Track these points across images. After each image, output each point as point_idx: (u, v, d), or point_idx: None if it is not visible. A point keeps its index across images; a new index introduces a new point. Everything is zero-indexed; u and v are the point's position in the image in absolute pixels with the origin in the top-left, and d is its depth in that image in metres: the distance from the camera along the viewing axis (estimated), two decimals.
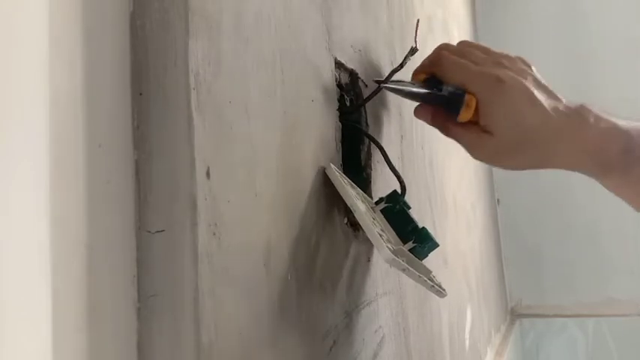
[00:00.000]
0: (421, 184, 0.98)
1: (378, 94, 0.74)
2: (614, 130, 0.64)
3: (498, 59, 0.67)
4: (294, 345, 0.47)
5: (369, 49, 0.75)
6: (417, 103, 0.71)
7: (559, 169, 0.66)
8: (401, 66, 0.72)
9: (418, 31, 0.76)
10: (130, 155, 0.38)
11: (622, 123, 0.65)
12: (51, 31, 0.34)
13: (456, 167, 1.43)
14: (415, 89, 0.68)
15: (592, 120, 0.63)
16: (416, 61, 0.75)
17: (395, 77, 0.70)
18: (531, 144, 0.63)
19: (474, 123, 0.65)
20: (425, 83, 0.68)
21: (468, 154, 0.68)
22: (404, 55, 0.75)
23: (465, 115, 0.64)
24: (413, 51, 0.74)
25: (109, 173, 0.36)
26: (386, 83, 0.67)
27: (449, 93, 0.66)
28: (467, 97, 0.64)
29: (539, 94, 0.63)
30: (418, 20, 0.75)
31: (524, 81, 0.64)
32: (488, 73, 0.64)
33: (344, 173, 0.61)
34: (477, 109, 0.64)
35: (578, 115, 0.64)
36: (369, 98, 0.69)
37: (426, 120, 0.70)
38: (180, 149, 0.37)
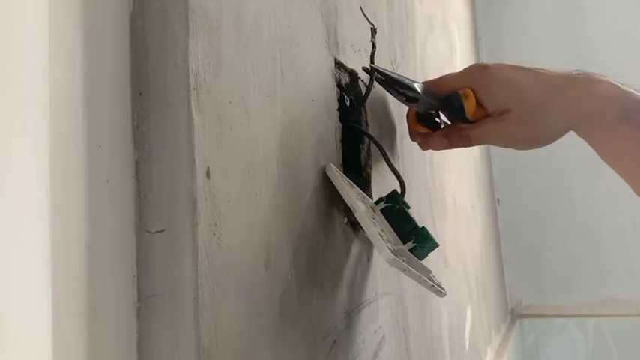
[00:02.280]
0: (421, 184, 0.98)
1: (378, 94, 0.74)
2: (610, 96, 0.64)
3: (464, 69, 0.71)
4: (294, 345, 0.47)
5: (369, 48, 0.75)
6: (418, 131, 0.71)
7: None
8: (374, 48, 0.71)
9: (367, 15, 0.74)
10: (130, 155, 0.38)
11: (620, 89, 0.65)
12: (51, 31, 0.34)
13: (456, 167, 1.43)
14: (411, 81, 0.67)
15: (585, 82, 0.64)
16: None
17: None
18: (533, 104, 0.63)
19: (485, 117, 0.66)
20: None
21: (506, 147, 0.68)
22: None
23: (469, 105, 0.64)
24: (374, 31, 0.73)
25: (109, 173, 0.36)
26: (378, 70, 0.66)
27: (446, 96, 0.66)
28: (461, 91, 0.65)
29: (522, 67, 0.67)
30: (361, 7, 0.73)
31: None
32: (471, 67, 0.69)
33: (344, 173, 0.61)
34: (479, 105, 0.65)
35: (571, 77, 0.65)
36: (367, 93, 0.68)
37: (443, 145, 0.69)
38: (180, 149, 0.37)
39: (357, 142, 0.70)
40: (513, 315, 2.34)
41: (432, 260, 0.68)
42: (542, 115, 0.63)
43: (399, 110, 0.86)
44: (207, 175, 0.38)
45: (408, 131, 0.78)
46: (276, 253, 0.45)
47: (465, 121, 0.66)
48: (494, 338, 1.75)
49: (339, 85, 0.65)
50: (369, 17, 0.68)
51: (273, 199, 0.46)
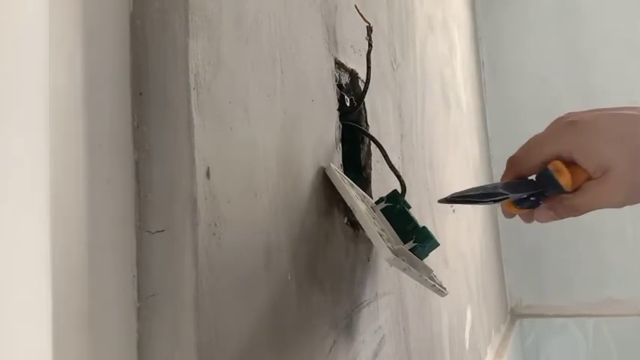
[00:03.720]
0: (421, 184, 0.98)
1: (378, 93, 0.74)
2: None
3: (549, 127, 0.62)
4: (294, 345, 0.47)
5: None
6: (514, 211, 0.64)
7: None
8: (370, 46, 0.69)
9: (363, 13, 0.71)
10: (130, 155, 0.38)
11: None
12: (51, 31, 0.34)
13: (456, 167, 1.43)
14: (493, 186, 0.62)
15: None
16: None
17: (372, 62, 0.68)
18: (631, 157, 0.56)
19: (587, 180, 0.59)
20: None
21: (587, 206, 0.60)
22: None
23: (565, 179, 0.58)
24: (370, 29, 0.71)
25: (109, 173, 0.36)
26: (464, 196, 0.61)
27: (536, 176, 0.60)
28: (551, 167, 0.59)
29: (606, 110, 0.60)
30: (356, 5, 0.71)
31: (585, 110, 0.60)
32: (557, 127, 0.60)
33: (344, 173, 0.61)
34: (576, 167, 0.58)
35: None
36: (365, 90, 0.67)
37: (550, 217, 0.63)
38: (180, 149, 0.37)
39: (357, 142, 0.70)
40: (513, 315, 2.34)
41: (432, 260, 0.67)
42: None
43: (399, 111, 0.86)
44: (207, 175, 0.38)
45: (407, 132, 0.77)
46: (276, 253, 0.45)
47: (566, 192, 0.60)
48: (494, 338, 1.75)
49: (339, 85, 0.65)
50: (364, 16, 0.68)
51: (273, 199, 0.46)
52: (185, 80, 0.37)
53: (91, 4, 0.37)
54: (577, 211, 0.61)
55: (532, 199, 0.63)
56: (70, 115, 0.35)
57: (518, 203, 0.63)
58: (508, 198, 0.61)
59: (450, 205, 0.63)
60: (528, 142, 0.62)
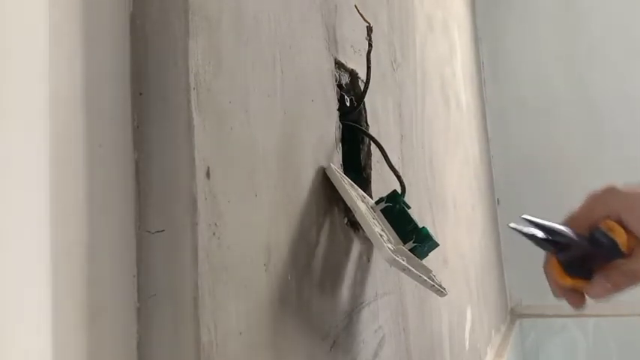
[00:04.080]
0: (421, 185, 0.98)
1: (378, 93, 0.74)
2: None
3: (586, 199, 0.62)
4: (294, 345, 0.47)
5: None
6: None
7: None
8: (370, 46, 0.69)
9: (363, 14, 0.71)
10: (130, 155, 0.38)
11: None
12: (51, 31, 0.34)
13: (456, 167, 1.43)
14: (559, 226, 0.60)
15: None
16: None
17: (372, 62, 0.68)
18: None
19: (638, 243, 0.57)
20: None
21: None
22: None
23: (621, 238, 0.57)
24: (370, 29, 0.71)
25: (109, 173, 0.36)
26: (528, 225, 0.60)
27: (589, 236, 0.58)
28: (602, 225, 0.57)
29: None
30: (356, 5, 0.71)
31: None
32: (597, 196, 0.61)
33: (344, 173, 0.61)
34: (626, 231, 0.57)
35: None
36: (365, 90, 0.67)
37: (607, 290, 0.60)
38: (180, 149, 0.37)
39: (357, 142, 0.70)
40: (513, 315, 2.34)
41: (431, 260, 0.67)
42: None
43: (399, 111, 0.86)
44: (207, 175, 0.38)
45: (407, 132, 0.77)
46: (276, 253, 0.45)
47: (619, 256, 0.58)
48: (494, 338, 1.75)
49: (339, 85, 0.65)
50: (364, 16, 0.68)
51: (273, 199, 0.46)
52: (185, 80, 0.37)
53: (91, 4, 0.37)
54: (638, 277, 0.59)
55: (586, 266, 0.59)
56: (70, 115, 0.35)
57: (570, 270, 0.60)
58: (570, 245, 0.58)
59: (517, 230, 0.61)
60: (570, 214, 0.61)
